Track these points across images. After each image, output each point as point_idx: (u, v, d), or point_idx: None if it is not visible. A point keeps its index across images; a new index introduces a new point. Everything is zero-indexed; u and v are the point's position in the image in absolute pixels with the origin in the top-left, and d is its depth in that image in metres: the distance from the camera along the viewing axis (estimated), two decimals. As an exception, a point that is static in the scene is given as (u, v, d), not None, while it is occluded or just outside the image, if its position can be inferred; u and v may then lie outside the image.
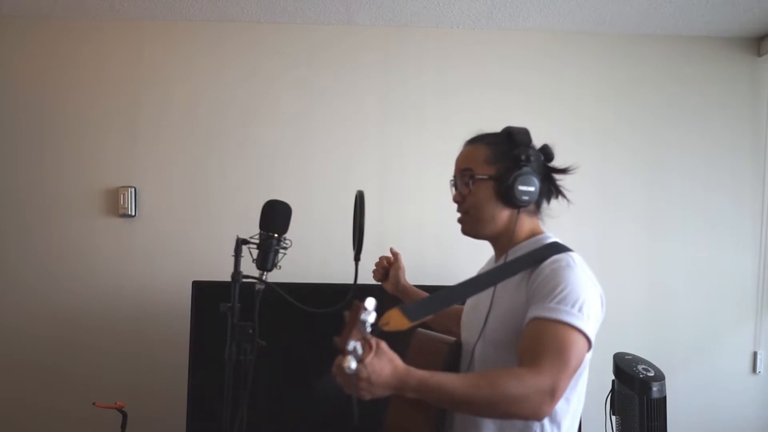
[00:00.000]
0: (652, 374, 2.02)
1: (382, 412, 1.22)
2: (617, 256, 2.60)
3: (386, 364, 1.00)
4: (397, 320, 1.08)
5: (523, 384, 1.02)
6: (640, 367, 2.04)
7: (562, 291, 1.10)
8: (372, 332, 0.99)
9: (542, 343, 1.07)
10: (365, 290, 1.44)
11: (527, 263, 1.20)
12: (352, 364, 0.94)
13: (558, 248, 1.21)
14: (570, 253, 1.19)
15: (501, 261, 1.28)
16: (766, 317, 2.63)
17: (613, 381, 2.16)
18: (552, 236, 1.29)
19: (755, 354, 2.62)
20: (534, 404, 1.02)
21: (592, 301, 1.13)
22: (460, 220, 1.32)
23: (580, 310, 1.09)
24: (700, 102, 2.65)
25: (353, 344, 0.94)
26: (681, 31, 2.61)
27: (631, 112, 2.64)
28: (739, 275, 2.63)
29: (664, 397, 2.00)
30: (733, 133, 2.66)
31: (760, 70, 2.66)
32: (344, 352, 0.95)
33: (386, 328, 1.06)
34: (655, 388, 1.97)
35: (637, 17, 2.49)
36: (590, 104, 2.62)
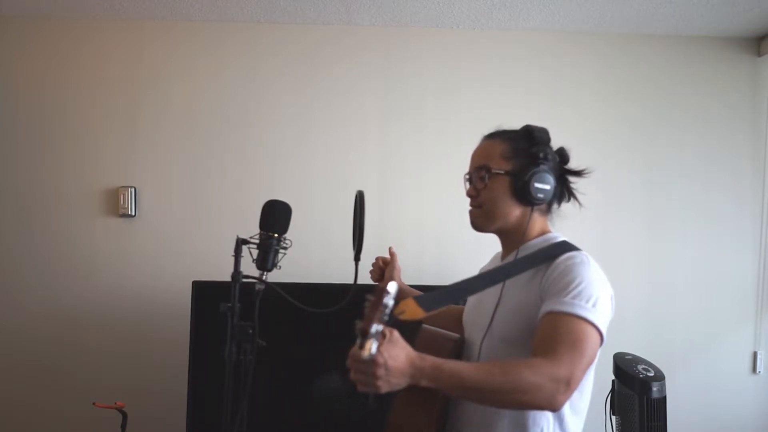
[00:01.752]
0: (652, 374, 2.01)
1: (386, 412, 1.21)
2: (617, 255, 2.60)
3: (400, 351, 1.01)
4: (412, 309, 1.09)
5: (538, 372, 1.02)
6: (640, 367, 2.04)
7: (577, 286, 1.11)
8: (386, 321, 0.99)
9: (558, 335, 1.08)
10: (365, 290, 1.44)
11: (539, 260, 1.21)
12: (374, 348, 0.95)
13: (569, 247, 1.23)
14: (582, 252, 1.21)
15: (510, 257, 1.28)
16: (766, 317, 2.63)
17: (613, 381, 2.16)
18: (561, 236, 1.30)
19: (755, 354, 2.62)
20: (548, 393, 1.02)
21: (604, 299, 1.14)
22: (471, 213, 1.33)
23: (594, 305, 1.10)
24: (700, 102, 2.65)
25: (376, 327, 0.95)
26: (681, 31, 2.61)
27: (631, 112, 2.64)
28: (739, 275, 2.63)
29: (664, 397, 2.00)
30: (733, 133, 2.65)
31: (760, 70, 2.66)
32: (368, 335, 0.95)
33: (402, 317, 1.07)
34: (655, 388, 1.97)
35: (637, 17, 2.49)
36: (590, 104, 2.63)
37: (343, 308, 1.33)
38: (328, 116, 2.58)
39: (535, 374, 1.02)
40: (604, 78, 2.64)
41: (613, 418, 2.16)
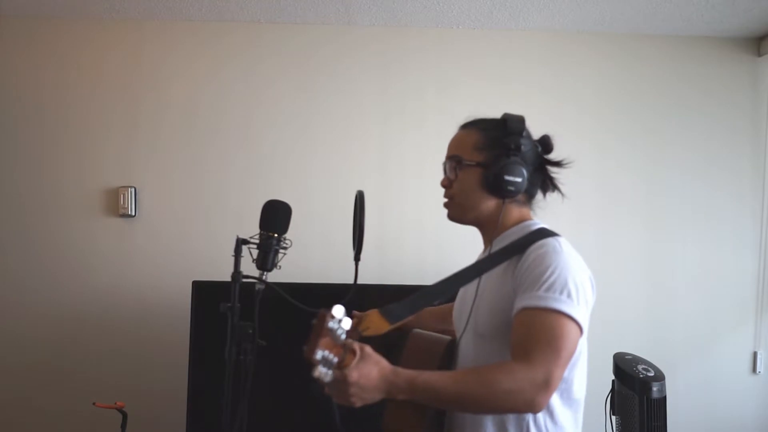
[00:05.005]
0: (652, 374, 2.01)
1: (380, 416, 1.21)
2: (617, 255, 2.60)
3: (372, 367, 1.00)
4: (376, 324, 1.08)
5: (514, 378, 1.01)
6: (640, 367, 2.04)
7: (549, 277, 1.08)
8: (354, 338, 0.98)
9: (533, 334, 1.05)
10: (365, 290, 1.44)
11: (512, 251, 1.17)
12: (325, 374, 0.94)
13: (543, 234, 1.18)
14: (557, 238, 1.17)
15: (488, 250, 1.26)
16: (766, 317, 2.63)
17: (613, 381, 2.16)
18: (539, 222, 1.26)
19: (755, 354, 2.62)
20: (527, 397, 1.01)
21: (581, 285, 1.10)
22: (445, 205, 1.32)
23: (569, 295, 1.07)
24: (701, 102, 2.65)
25: (321, 353, 0.93)
26: (681, 31, 2.61)
27: (631, 112, 2.64)
28: (739, 275, 2.63)
29: (664, 397, 2.00)
30: (733, 132, 2.65)
31: (760, 70, 2.66)
32: (312, 362, 0.94)
33: (366, 333, 1.06)
34: (655, 388, 1.97)
35: (637, 17, 2.49)
36: (591, 104, 2.62)
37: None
38: (327, 116, 2.58)
39: (512, 380, 1.01)
40: (605, 78, 2.64)
41: (613, 418, 2.16)
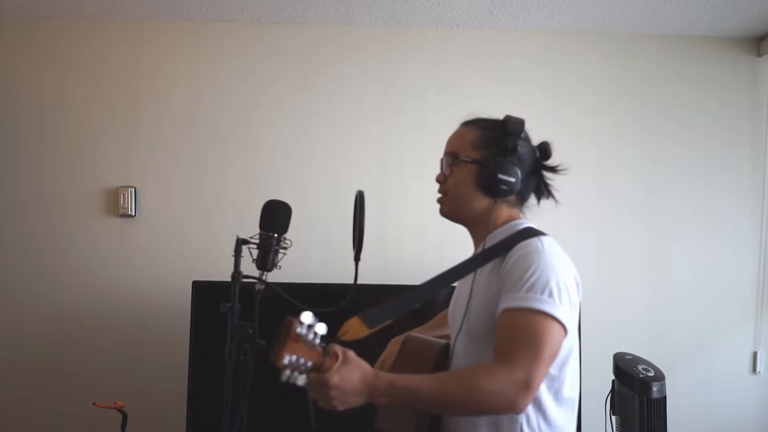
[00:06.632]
0: (652, 374, 2.01)
1: (373, 418, 1.21)
2: (617, 255, 2.59)
3: (354, 371, 1.00)
4: (355, 329, 1.08)
5: (494, 379, 1.02)
6: (640, 367, 2.04)
7: (530, 278, 1.08)
8: (335, 341, 1.00)
9: (513, 335, 1.06)
10: (365, 290, 1.44)
11: (498, 251, 1.17)
12: (299, 379, 0.96)
13: (529, 233, 1.18)
14: (541, 237, 1.16)
15: (479, 250, 1.26)
16: (766, 317, 2.63)
17: (613, 381, 2.15)
18: (526, 222, 1.26)
19: (755, 354, 2.62)
20: (507, 398, 1.01)
21: (563, 284, 1.10)
22: (438, 200, 1.31)
23: (550, 295, 1.07)
24: (701, 102, 2.65)
25: (288, 358, 0.94)
26: (681, 31, 2.61)
27: (631, 112, 2.64)
28: (739, 275, 2.63)
29: (664, 397, 2.00)
30: (733, 132, 2.66)
31: (760, 70, 2.66)
32: (280, 366, 0.94)
33: (345, 338, 1.06)
34: (655, 388, 1.97)
35: (637, 17, 2.49)
36: (591, 104, 2.62)
37: (343, 308, 1.33)
38: (327, 116, 2.58)
39: (491, 381, 1.02)
40: (605, 78, 2.64)
41: (613, 418, 2.16)
